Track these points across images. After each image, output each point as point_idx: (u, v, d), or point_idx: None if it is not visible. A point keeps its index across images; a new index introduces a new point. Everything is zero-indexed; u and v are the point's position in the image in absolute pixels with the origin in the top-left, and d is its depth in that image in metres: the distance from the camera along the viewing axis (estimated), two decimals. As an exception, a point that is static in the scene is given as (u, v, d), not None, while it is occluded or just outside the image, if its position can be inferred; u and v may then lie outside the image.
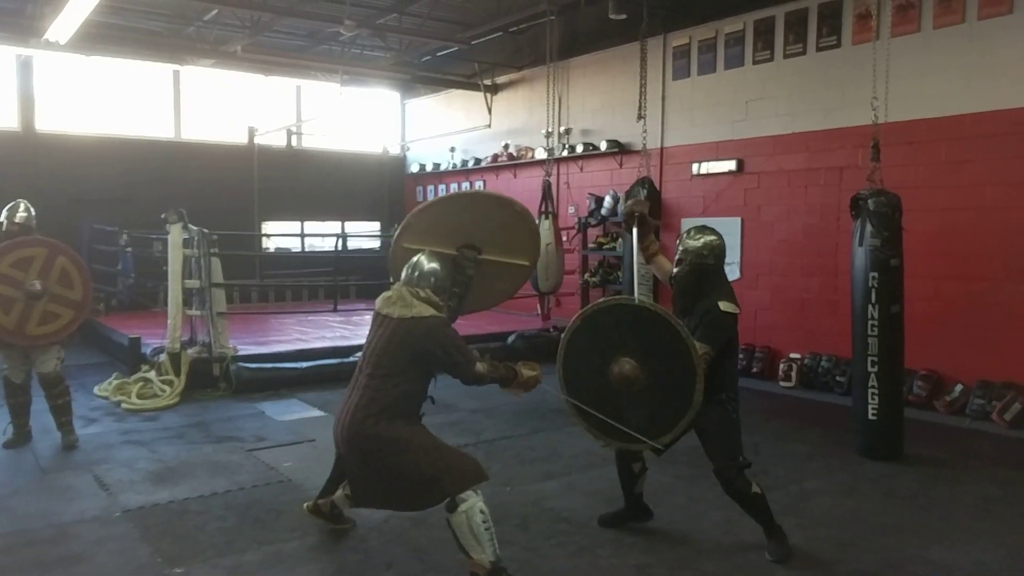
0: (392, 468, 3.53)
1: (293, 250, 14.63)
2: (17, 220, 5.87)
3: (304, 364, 8.42)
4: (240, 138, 13.89)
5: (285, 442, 6.21)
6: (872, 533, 4.37)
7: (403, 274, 3.85)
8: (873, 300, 5.64)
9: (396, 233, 4.57)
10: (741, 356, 8.21)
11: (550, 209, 9.62)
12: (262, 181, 13.88)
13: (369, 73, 13.17)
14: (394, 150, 15.41)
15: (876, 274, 5.63)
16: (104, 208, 12.02)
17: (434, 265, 3.85)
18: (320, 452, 5.88)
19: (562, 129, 11.18)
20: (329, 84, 13.80)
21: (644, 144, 8.72)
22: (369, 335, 3.79)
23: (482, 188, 13.16)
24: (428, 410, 3.85)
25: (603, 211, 10.49)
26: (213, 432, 6.49)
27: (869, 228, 5.65)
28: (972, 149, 7.09)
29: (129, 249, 11.20)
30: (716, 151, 9.30)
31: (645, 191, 8.73)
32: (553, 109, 10.04)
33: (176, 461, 5.66)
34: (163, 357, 7.79)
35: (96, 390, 7.78)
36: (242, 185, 13.68)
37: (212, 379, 7.92)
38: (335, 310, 10.13)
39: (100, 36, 10.52)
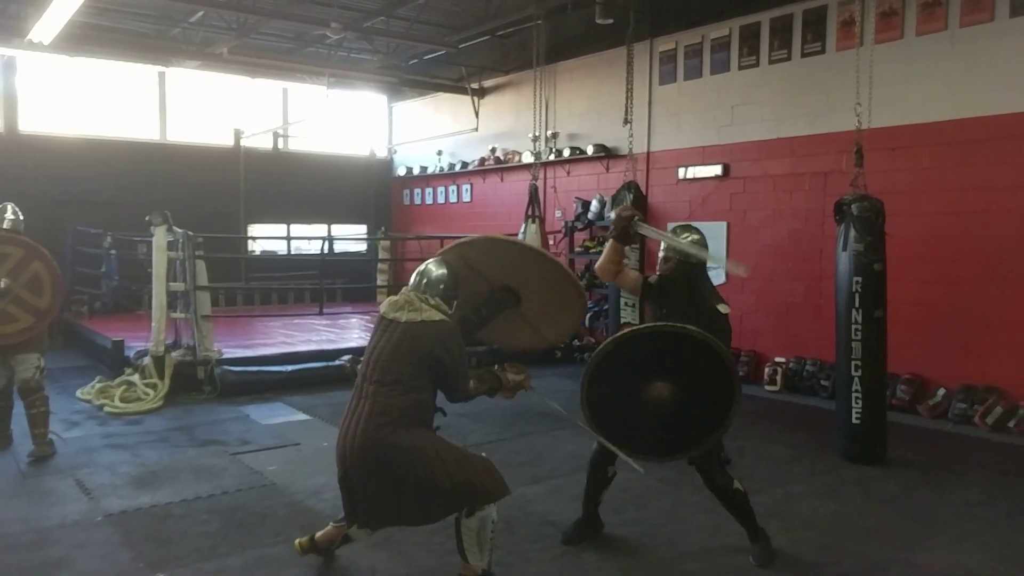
0: (412, 479, 3.34)
1: (279, 253, 14.57)
2: (4, 226, 5.79)
3: (289, 367, 8.40)
4: (226, 140, 13.83)
5: (270, 446, 6.17)
6: (855, 536, 4.39)
7: (411, 280, 3.74)
8: (856, 304, 5.68)
9: (461, 242, 4.18)
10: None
11: (537, 213, 9.65)
12: (248, 183, 13.83)
13: (356, 76, 13.16)
14: (381, 153, 15.39)
15: (859, 279, 5.66)
16: (88, 210, 11.93)
17: (443, 271, 3.73)
18: (305, 456, 5.87)
19: (549, 133, 11.20)
20: (316, 87, 13.78)
21: (630, 148, 8.77)
22: (373, 340, 3.63)
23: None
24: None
25: (590, 215, 10.51)
26: (197, 436, 6.45)
27: (853, 233, 5.68)
28: (954, 155, 7.16)
29: (113, 251, 11.12)
30: (702, 156, 9.34)
31: (632, 195, 8.77)
32: (540, 113, 10.06)
33: (159, 465, 5.62)
34: (147, 360, 7.74)
35: (79, 393, 7.71)
36: (228, 187, 13.62)
37: (196, 382, 7.86)
38: (321, 313, 10.09)
39: (84, 37, 10.46)
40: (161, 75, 13.01)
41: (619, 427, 3.80)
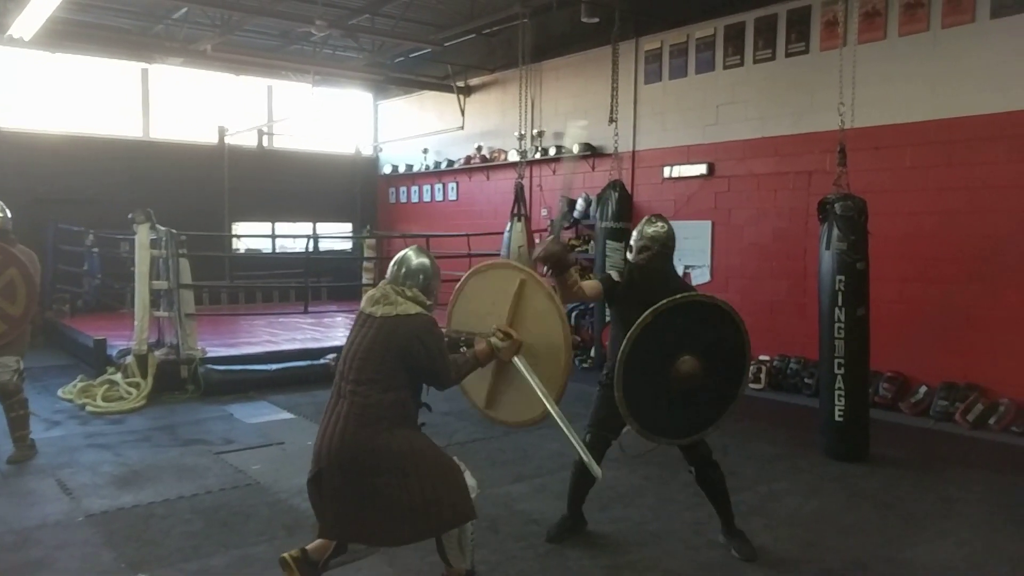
0: (385, 489, 3.15)
1: (264, 251, 14.49)
2: None
3: (274, 366, 8.36)
4: (210, 138, 13.73)
5: (254, 445, 6.15)
6: (838, 533, 4.42)
7: (389, 271, 3.51)
8: (839, 303, 5.71)
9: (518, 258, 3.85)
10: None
11: (522, 211, 9.65)
12: (232, 181, 13.74)
13: (341, 74, 13.10)
14: (366, 151, 15.34)
15: (842, 277, 5.70)
16: (70, 208, 11.82)
17: (423, 261, 3.48)
18: (289, 455, 5.84)
19: (535, 132, 11.20)
20: (301, 84, 13.71)
21: (616, 147, 8.78)
22: (350, 336, 3.44)
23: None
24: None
25: (575, 214, 10.52)
26: (180, 435, 6.41)
27: (836, 232, 5.71)
28: (936, 154, 7.22)
29: (96, 249, 11.04)
30: (687, 155, 9.37)
31: (617, 194, 8.79)
32: (526, 112, 10.06)
33: (142, 465, 5.58)
34: (130, 359, 7.68)
35: (60, 392, 7.65)
36: (212, 185, 13.53)
37: (180, 381, 7.81)
38: (306, 312, 10.05)
39: (66, 33, 10.37)
40: (144, 72, 12.92)
41: (649, 410, 3.75)
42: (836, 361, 5.75)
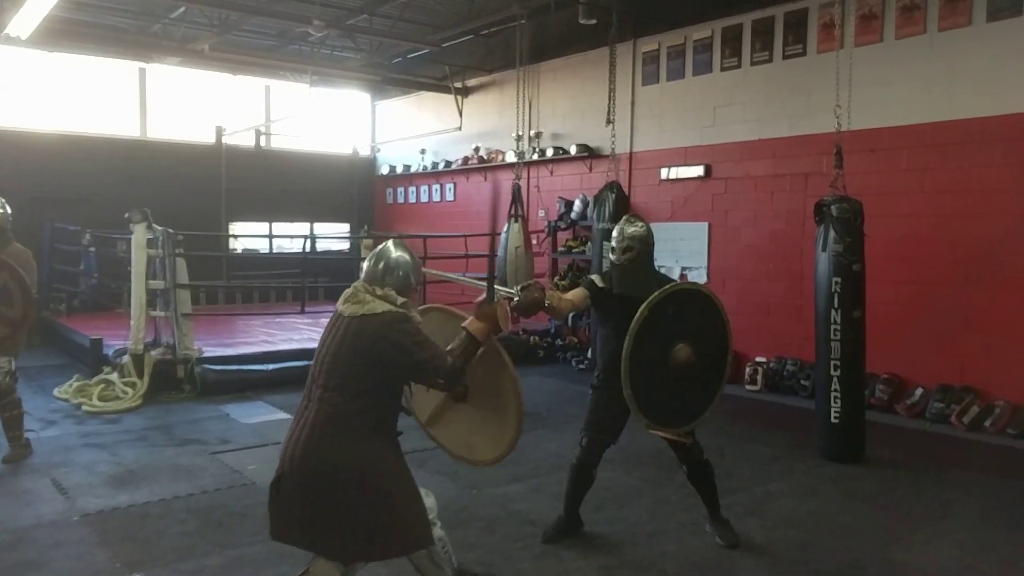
0: (341, 505, 2.95)
1: (261, 251, 14.47)
2: None
3: (270, 366, 8.34)
4: (208, 138, 13.71)
5: (250, 445, 6.14)
6: (833, 534, 4.43)
7: (366, 266, 3.22)
8: (836, 305, 5.72)
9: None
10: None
11: (520, 212, 9.65)
12: (230, 181, 13.73)
13: (339, 74, 13.10)
14: (364, 151, 15.33)
15: (839, 279, 5.71)
16: (67, 207, 11.80)
17: (401, 255, 3.18)
18: (285, 455, 5.83)
19: (532, 133, 11.21)
20: (298, 84, 13.70)
21: (613, 149, 8.79)
22: (322, 337, 3.21)
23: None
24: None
25: (572, 215, 10.53)
26: (176, 435, 6.40)
27: (832, 234, 5.72)
28: (932, 157, 7.24)
29: (92, 249, 11.01)
30: (684, 156, 9.38)
31: (614, 195, 8.78)
32: (523, 112, 10.06)
33: (137, 464, 5.57)
34: (126, 359, 7.67)
35: (56, 392, 7.63)
36: (209, 185, 13.52)
37: (176, 381, 7.80)
38: (303, 312, 10.03)
39: (63, 32, 10.34)
40: (142, 71, 12.90)
41: (656, 402, 3.88)
42: (832, 363, 5.76)
